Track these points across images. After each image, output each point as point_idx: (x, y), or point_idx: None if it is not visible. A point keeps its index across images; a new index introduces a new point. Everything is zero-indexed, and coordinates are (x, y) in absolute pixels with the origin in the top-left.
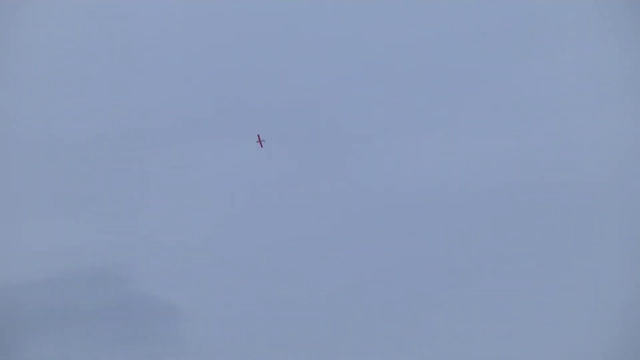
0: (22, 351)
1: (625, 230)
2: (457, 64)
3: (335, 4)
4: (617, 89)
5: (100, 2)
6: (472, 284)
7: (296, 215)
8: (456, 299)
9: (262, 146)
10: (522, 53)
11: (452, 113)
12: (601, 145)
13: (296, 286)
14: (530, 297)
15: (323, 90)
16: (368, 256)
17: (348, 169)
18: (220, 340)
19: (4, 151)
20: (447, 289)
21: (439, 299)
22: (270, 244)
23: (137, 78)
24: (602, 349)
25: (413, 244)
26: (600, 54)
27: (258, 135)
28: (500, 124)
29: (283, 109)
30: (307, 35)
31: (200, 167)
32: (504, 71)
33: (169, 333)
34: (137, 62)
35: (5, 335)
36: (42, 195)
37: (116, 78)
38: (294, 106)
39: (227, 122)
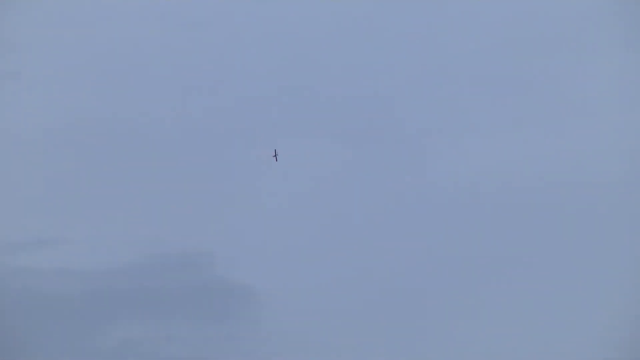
0: (113, 329)
1: None
2: (518, 66)
3: (406, 3)
4: None
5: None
6: (545, 278)
7: (369, 206)
8: (531, 293)
9: (276, 160)
10: (574, 56)
11: (513, 112)
12: None
13: (368, 271)
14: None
15: (395, 87)
16: (436, 247)
17: (418, 165)
18: (294, 320)
19: (94, 144)
20: (516, 281)
21: (511, 291)
22: (343, 232)
23: (227, 76)
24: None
25: (477, 237)
26: None
27: (275, 150)
28: (561, 124)
29: (356, 106)
30: (380, 34)
31: (279, 160)
32: (565, 73)
33: (246, 313)
34: (232, 60)
35: (100, 315)
36: (136, 189)
37: (207, 75)
38: (366, 103)
39: (304, 119)
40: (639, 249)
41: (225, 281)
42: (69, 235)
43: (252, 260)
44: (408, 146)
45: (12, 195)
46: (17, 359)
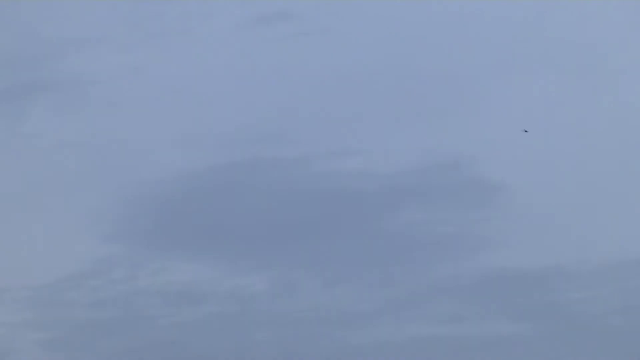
0: (400, 215)
1: None
2: None
3: None
4: None
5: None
6: None
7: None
8: None
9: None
10: None
11: None
12: None
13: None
14: None
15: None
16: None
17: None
18: (537, 208)
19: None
20: None
21: None
22: (566, 143)
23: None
24: None
25: None
26: None
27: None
28: None
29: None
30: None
31: (506, 89)
32: None
33: (498, 202)
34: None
35: (391, 205)
36: (421, 112)
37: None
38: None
39: (524, 58)
40: None
41: (483, 178)
42: (367, 147)
43: (503, 163)
44: (606, 77)
45: (326, 118)
46: (321, 238)
